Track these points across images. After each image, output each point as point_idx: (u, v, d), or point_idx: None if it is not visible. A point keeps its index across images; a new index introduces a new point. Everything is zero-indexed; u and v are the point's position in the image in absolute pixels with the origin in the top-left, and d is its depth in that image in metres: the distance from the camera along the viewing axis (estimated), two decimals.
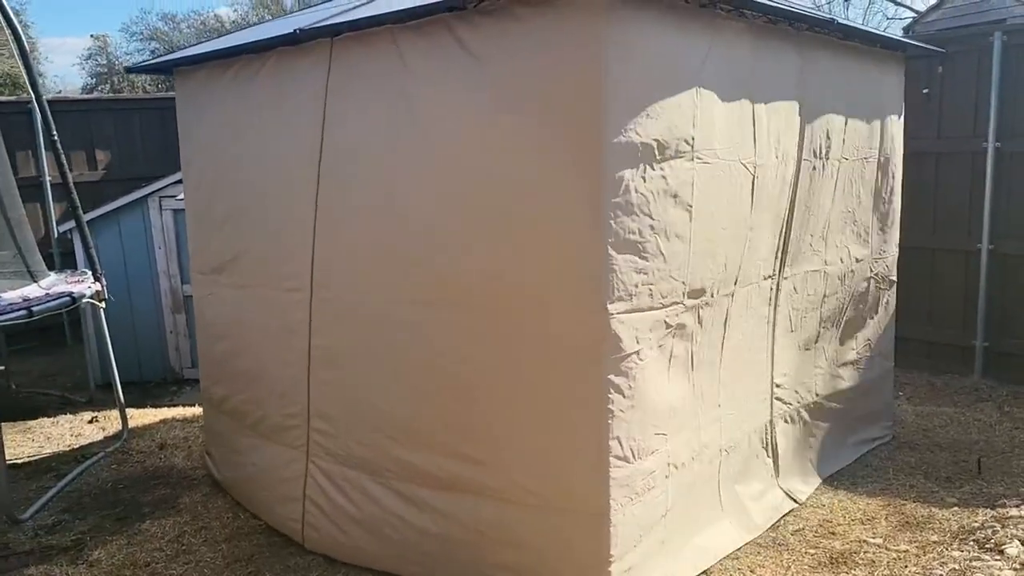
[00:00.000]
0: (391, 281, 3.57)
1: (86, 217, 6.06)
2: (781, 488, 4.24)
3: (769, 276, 4.07)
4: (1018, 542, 3.64)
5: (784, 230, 4.07)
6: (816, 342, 4.54)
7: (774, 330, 4.19)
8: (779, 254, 4.09)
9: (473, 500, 3.41)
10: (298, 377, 3.96)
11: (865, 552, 3.72)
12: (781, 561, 3.67)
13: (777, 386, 4.28)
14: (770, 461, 4.25)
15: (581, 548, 3.23)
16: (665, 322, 3.26)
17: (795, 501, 4.23)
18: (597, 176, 2.94)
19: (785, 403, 4.35)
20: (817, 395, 4.59)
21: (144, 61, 5.65)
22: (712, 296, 3.55)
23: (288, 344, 4.00)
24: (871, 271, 4.87)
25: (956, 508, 4.14)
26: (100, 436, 5.87)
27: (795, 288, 4.29)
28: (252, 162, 4.16)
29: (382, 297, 3.62)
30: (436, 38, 3.23)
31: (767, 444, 4.23)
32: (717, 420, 3.80)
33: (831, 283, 4.57)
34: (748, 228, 3.73)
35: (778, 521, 4.04)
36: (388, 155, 3.50)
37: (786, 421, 4.36)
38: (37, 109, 5.71)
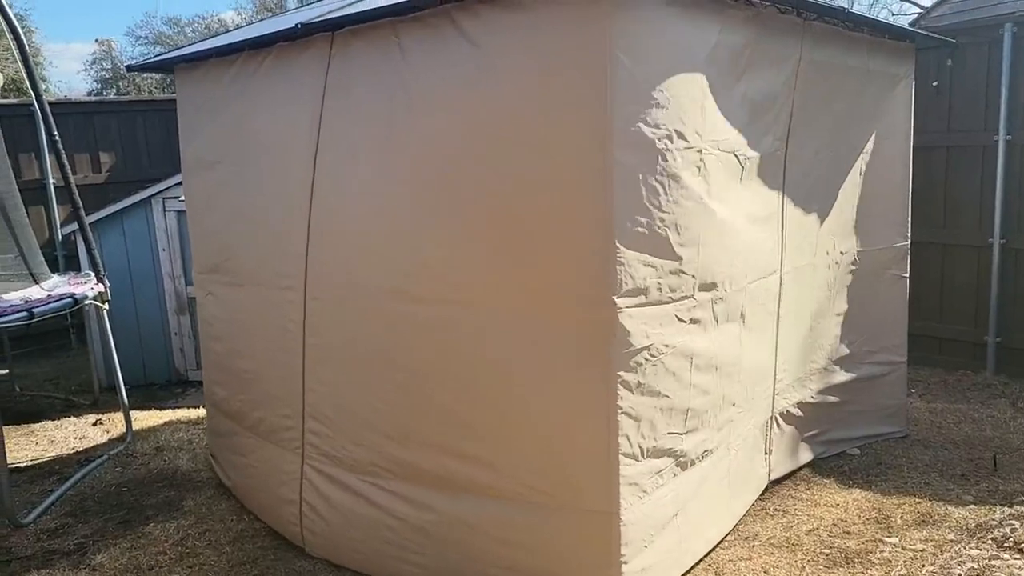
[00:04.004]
0: (387, 277, 3.48)
1: (90, 219, 6.04)
2: (768, 480, 4.29)
3: (774, 271, 4.01)
4: None
5: (781, 222, 4.01)
6: (812, 336, 4.47)
7: (778, 326, 4.12)
8: (780, 247, 4.03)
9: (475, 499, 3.34)
10: (293, 377, 3.90)
11: (881, 551, 3.65)
12: (795, 561, 3.60)
13: (778, 381, 4.23)
14: (767, 458, 4.22)
15: (590, 547, 3.16)
16: (677, 317, 3.20)
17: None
18: (605, 168, 2.86)
19: (784, 398, 4.31)
20: (811, 389, 4.52)
21: (146, 58, 5.61)
22: (725, 291, 3.49)
23: (283, 343, 3.94)
24: (871, 264, 4.79)
25: (973, 506, 4.06)
26: (104, 439, 5.83)
27: (795, 282, 4.23)
28: (249, 158, 4.11)
29: (378, 293, 3.53)
30: (438, 29, 3.17)
31: (767, 440, 4.18)
32: (730, 420, 3.74)
33: (826, 276, 4.50)
34: (751, 220, 3.66)
35: (791, 520, 3.98)
36: (384, 148, 3.44)
37: (783, 416, 4.32)
38: (38, 111, 5.67)
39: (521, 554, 3.27)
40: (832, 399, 4.67)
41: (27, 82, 5.52)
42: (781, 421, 4.32)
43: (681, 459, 3.38)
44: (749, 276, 3.73)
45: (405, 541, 3.54)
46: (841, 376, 4.72)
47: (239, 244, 4.27)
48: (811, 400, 4.53)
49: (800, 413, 4.44)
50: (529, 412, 3.17)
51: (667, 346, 3.16)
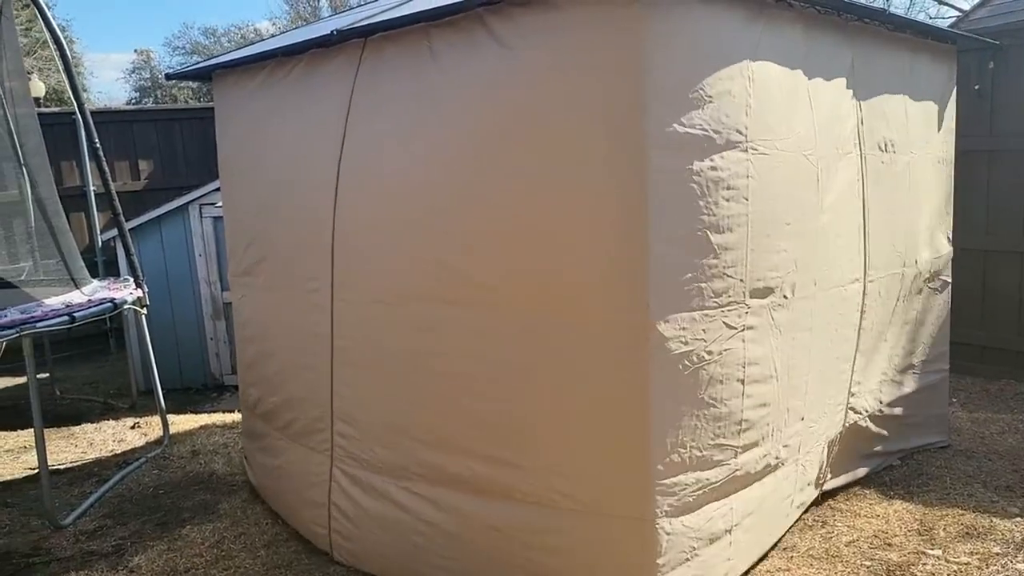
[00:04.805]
0: (414, 280, 3.47)
1: (129, 225, 6.13)
2: (817, 493, 4.14)
3: (857, 279, 3.92)
4: None
5: (864, 228, 3.94)
6: (884, 348, 4.38)
7: (859, 337, 4.03)
8: (864, 255, 3.95)
9: (505, 504, 3.30)
10: (322, 379, 3.91)
11: (923, 564, 3.56)
12: (835, 573, 3.52)
13: (852, 395, 4.12)
14: (827, 469, 4.10)
15: (624, 555, 3.11)
16: (725, 323, 3.13)
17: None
18: (639, 168, 2.84)
19: (856, 412, 4.20)
20: (880, 402, 4.42)
21: (184, 67, 5.70)
22: (785, 298, 3.41)
23: (312, 346, 3.95)
24: (931, 272, 4.70)
25: (1019, 518, 3.95)
26: (142, 442, 5.91)
27: (879, 292, 4.14)
28: (277, 161, 4.14)
29: (405, 296, 3.51)
30: (469, 32, 3.16)
31: (830, 453, 4.07)
32: (798, 434, 3.65)
33: (904, 285, 4.42)
34: (818, 225, 3.58)
35: (830, 531, 3.90)
36: (412, 150, 3.42)
37: (851, 430, 4.21)
38: (80, 119, 5.77)
39: (552, 560, 3.23)
40: (894, 411, 4.56)
41: (68, 91, 5.63)
42: (847, 434, 4.20)
43: (737, 473, 3.30)
44: (821, 283, 3.64)
45: (434, 546, 3.52)
46: (902, 387, 4.61)
47: (268, 246, 4.31)
48: (879, 413, 4.42)
49: (866, 425, 4.34)
50: (562, 417, 3.14)
51: (711, 353, 3.10)
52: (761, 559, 3.65)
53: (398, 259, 3.52)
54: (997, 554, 3.60)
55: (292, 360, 4.18)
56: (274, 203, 4.20)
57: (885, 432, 4.53)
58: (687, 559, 3.14)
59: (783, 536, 3.84)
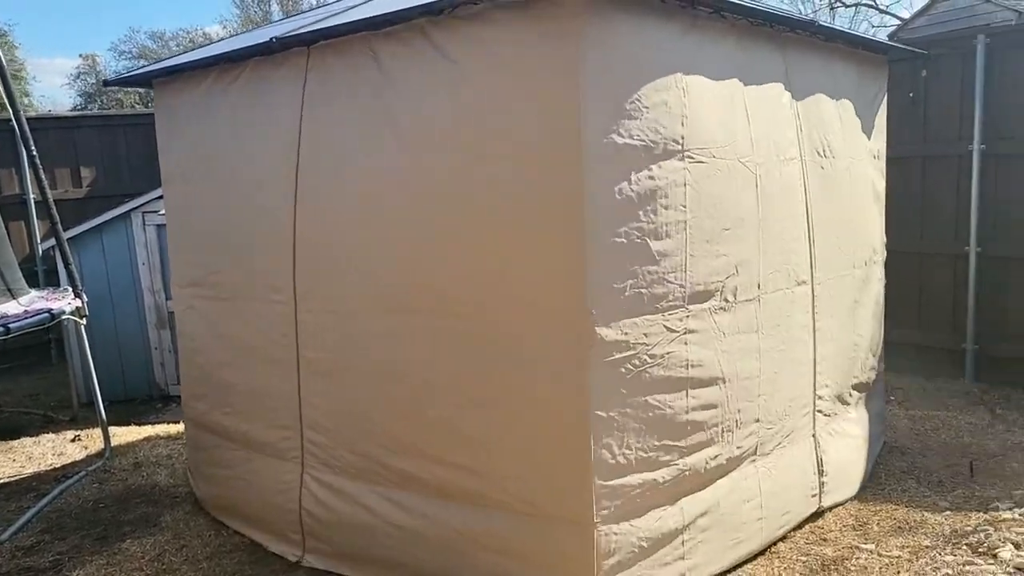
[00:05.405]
0: (372, 290, 3.53)
1: (69, 233, 6.02)
2: (823, 505, 4.17)
3: (803, 282, 4.02)
4: (1011, 545, 3.59)
5: (809, 232, 4.04)
6: (845, 350, 4.47)
7: (815, 340, 4.12)
8: (810, 258, 4.05)
9: (466, 508, 3.37)
10: (288, 389, 3.92)
11: (857, 558, 3.67)
12: (772, 569, 3.61)
13: (819, 398, 4.20)
14: (815, 478, 4.13)
15: (572, 558, 3.16)
16: (666, 327, 3.20)
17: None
18: (577, 178, 2.89)
19: (826, 415, 4.27)
20: (848, 404, 4.51)
21: (124, 72, 5.61)
22: (727, 301, 3.48)
23: (276, 356, 3.95)
24: (867, 273, 4.83)
25: (948, 512, 4.09)
26: (83, 455, 5.78)
27: (831, 294, 4.24)
28: (229, 172, 4.12)
29: (364, 306, 3.58)
30: (413, 44, 3.21)
31: (815, 460, 4.13)
32: (754, 435, 3.71)
33: (855, 286, 4.53)
34: (758, 229, 3.66)
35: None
36: (364, 161, 3.48)
37: (830, 435, 4.29)
38: (16, 126, 5.64)
39: (511, 563, 3.29)
40: (860, 412, 4.64)
41: (4, 97, 5.50)
42: (829, 441, 4.25)
43: (686, 473, 3.36)
44: (765, 287, 3.72)
45: (402, 547, 3.57)
46: (860, 389, 4.69)
47: (221, 258, 4.28)
48: (849, 415, 4.49)
49: (843, 430, 4.41)
50: (514, 423, 3.20)
51: (654, 356, 3.16)
52: (740, 564, 3.66)
53: (358, 269, 3.58)
54: (927, 547, 3.73)
55: (253, 370, 4.15)
56: (229, 214, 4.18)
57: (862, 434, 4.61)
58: (637, 559, 3.20)
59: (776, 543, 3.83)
